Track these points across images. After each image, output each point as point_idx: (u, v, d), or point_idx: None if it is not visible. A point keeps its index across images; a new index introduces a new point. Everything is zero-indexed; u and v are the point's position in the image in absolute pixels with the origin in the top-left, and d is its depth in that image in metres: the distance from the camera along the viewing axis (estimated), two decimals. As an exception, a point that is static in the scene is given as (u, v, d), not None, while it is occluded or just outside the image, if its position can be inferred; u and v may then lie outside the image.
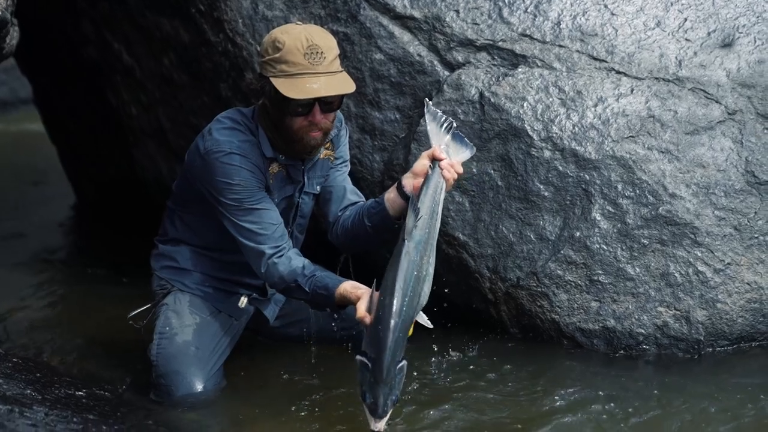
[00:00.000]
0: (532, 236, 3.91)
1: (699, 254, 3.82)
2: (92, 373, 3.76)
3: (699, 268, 3.80)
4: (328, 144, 3.54)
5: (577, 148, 3.91)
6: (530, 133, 3.93)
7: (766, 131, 4.00)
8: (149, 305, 3.66)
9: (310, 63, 3.25)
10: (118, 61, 5.21)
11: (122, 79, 5.28)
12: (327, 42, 3.30)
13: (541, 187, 3.91)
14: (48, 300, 4.84)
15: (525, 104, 3.95)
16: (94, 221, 6.41)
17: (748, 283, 3.81)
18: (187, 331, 3.53)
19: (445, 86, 4.03)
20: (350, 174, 3.68)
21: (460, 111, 3.99)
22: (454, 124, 3.35)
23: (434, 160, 3.26)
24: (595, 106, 3.95)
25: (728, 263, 3.82)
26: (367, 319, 3.07)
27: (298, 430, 3.25)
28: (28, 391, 3.18)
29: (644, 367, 3.70)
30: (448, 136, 3.34)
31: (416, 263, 3.09)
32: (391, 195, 3.35)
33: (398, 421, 3.26)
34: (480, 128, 3.97)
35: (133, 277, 4.66)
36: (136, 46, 5.02)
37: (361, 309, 3.11)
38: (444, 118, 3.35)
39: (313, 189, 3.56)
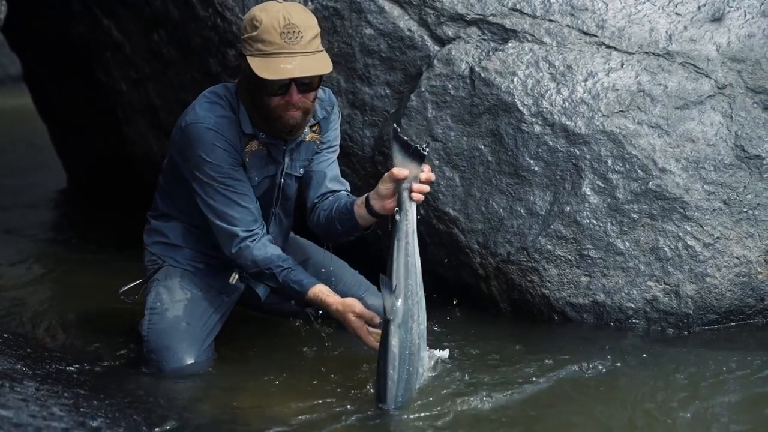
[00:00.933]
0: (522, 211, 3.91)
1: (688, 228, 3.82)
2: (83, 348, 3.76)
3: (688, 242, 3.81)
4: (315, 127, 3.51)
5: (567, 122, 3.91)
6: (520, 108, 3.93)
7: (755, 105, 4.01)
8: (140, 281, 3.66)
9: (287, 42, 3.21)
10: (108, 37, 5.18)
11: (112, 55, 5.26)
12: (306, 21, 3.25)
13: (532, 162, 3.91)
14: (38, 275, 4.84)
15: (515, 79, 3.95)
16: (86, 200, 6.40)
17: (737, 257, 3.82)
18: (178, 306, 3.53)
19: (435, 61, 4.02)
20: (341, 150, 3.66)
21: (450, 86, 3.98)
22: (426, 149, 3.14)
23: (398, 181, 3.14)
24: (585, 80, 3.95)
25: (717, 237, 3.83)
26: (376, 345, 3.17)
27: (291, 403, 3.25)
28: (19, 366, 3.18)
29: (633, 339, 3.72)
30: (419, 168, 3.13)
31: (406, 341, 3.10)
32: (360, 211, 3.32)
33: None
34: (470, 103, 3.96)
35: (124, 253, 4.66)
36: (126, 22, 4.99)
37: (370, 342, 3.24)
38: (413, 146, 3.12)
39: (296, 171, 3.53)
